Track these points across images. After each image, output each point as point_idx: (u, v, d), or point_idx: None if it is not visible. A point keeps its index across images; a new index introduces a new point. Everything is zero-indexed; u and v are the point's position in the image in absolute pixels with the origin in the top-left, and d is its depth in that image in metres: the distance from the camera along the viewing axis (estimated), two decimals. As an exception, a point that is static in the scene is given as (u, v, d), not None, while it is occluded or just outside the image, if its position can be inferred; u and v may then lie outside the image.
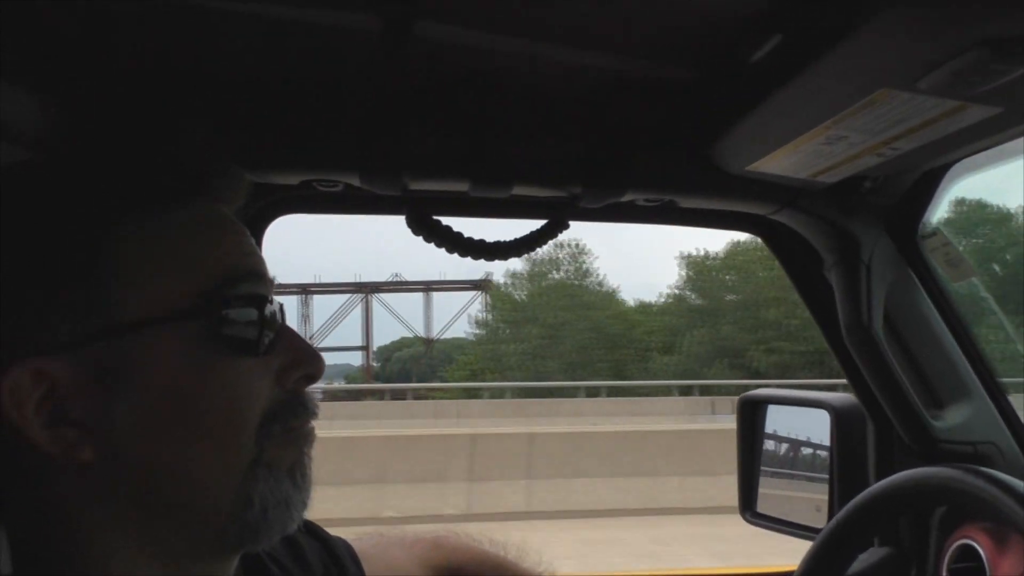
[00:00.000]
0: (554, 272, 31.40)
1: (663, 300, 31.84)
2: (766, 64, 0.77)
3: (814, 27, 0.69)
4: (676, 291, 31.16)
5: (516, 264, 31.52)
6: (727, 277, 30.08)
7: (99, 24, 0.73)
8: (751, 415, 1.40)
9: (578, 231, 31.81)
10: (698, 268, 30.19)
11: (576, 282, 31.54)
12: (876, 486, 0.87)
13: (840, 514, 0.90)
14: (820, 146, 0.85)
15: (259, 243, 1.13)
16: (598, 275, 32.16)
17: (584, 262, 31.57)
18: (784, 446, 1.39)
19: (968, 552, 1.06)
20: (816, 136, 0.82)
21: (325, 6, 0.73)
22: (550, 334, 29.73)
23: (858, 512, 0.88)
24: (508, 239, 1.07)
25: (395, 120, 0.95)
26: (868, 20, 0.63)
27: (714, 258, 30.01)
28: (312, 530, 0.82)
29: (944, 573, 1.07)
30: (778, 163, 0.93)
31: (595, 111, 0.96)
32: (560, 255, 31.42)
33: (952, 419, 1.13)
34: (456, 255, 1.08)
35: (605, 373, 26.24)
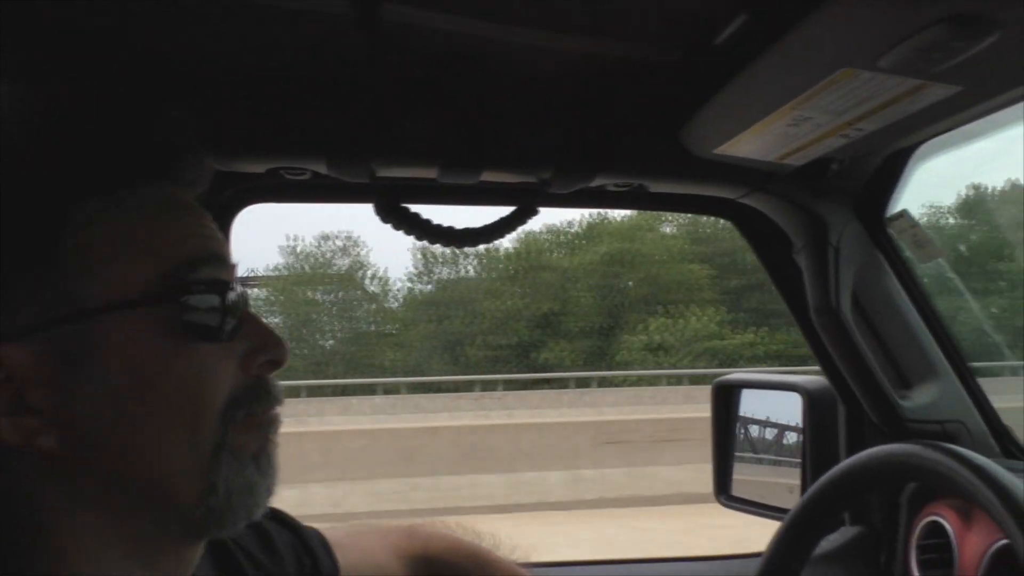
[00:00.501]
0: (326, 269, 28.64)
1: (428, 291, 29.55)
2: (732, 45, 0.77)
3: (779, 6, 0.69)
4: (408, 283, 29.35)
5: (286, 259, 28.89)
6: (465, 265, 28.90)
7: (63, 5, 0.72)
8: (725, 399, 1.41)
9: (350, 223, 29.36)
10: (431, 258, 28.57)
11: (342, 276, 28.86)
12: (839, 466, 0.88)
13: (806, 495, 0.91)
14: (786, 128, 0.85)
15: (227, 232, 1.11)
16: (374, 267, 29.52)
17: (358, 255, 28.95)
18: (758, 429, 1.40)
19: (936, 529, 1.07)
20: (782, 117, 0.83)
21: None
22: (295, 333, 27.17)
23: (823, 492, 0.89)
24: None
25: (363, 106, 0.94)
26: (808, 6, 0.63)
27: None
28: (283, 519, 0.82)
29: (913, 550, 1.09)
30: (746, 146, 0.93)
31: (564, 96, 0.96)
32: (325, 248, 28.48)
33: (920, 399, 1.14)
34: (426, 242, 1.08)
35: (373, 370, 24.65)
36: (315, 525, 0.89)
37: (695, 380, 17.93)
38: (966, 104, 0.77)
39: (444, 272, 28.97)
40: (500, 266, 27.77)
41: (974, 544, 0.99)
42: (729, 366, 22.19)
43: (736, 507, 1.37)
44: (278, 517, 0.81)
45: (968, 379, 1.17)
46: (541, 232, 28.23)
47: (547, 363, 24.51)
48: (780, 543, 0.93)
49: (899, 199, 1.14)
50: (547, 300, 26.47)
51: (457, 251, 26.88)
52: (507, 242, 27.93)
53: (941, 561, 1.06)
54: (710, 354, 24.18)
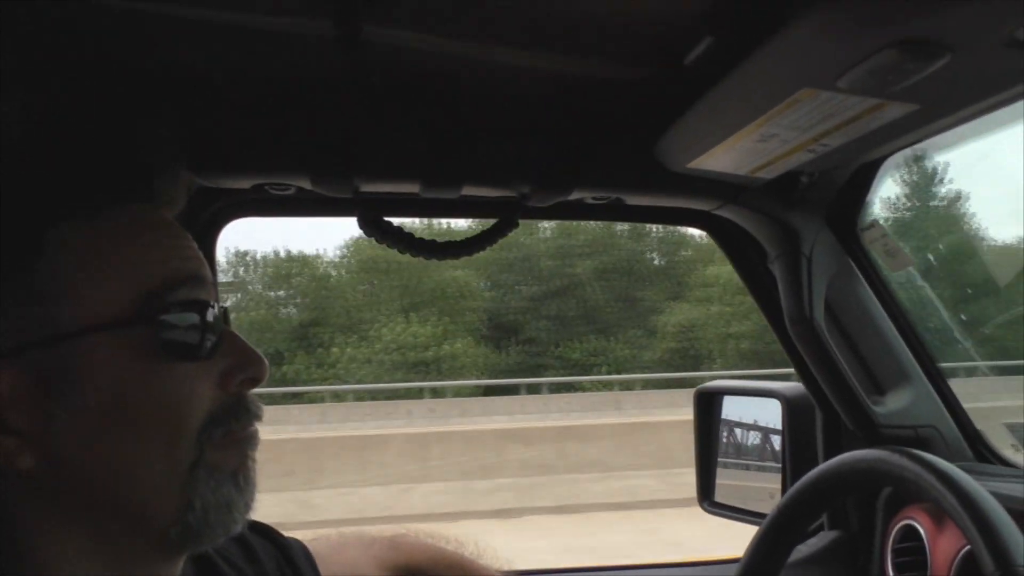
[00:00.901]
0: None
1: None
2: (700, 65, 0.80)
3: (740, 30, 0.72)
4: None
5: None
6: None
7: (49, 24, 0.73)
8: (707, 406, 1.43)
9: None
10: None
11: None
12: (811, 473, 0.90)
13: (780, 501, 0.93)
14: (754, 143, 0.88)
15: (212, 248, 1.13)
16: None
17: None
18: (740, 436, 1.42)
19: (911, 532, 1.10)
20: (750, 134, 0.85)
21: (276, 12, 0.73)
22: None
23: (796, 498, 0.91)
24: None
25: (345, 123, 0.96)
26: (787, 24, 0.66)
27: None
28: (265, 532, 0.83)
29: (889, 553, 1.11)
30: (718, 160, 0.95)
31: (542, 113, 0.98)
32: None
33: (893, 404, 1.17)
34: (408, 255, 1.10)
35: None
36: (299, 536, 0.90)
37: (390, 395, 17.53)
38: (925, 121, 0.80)
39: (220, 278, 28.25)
40: (270, 271, 26.93)
41: (946, 547, 1.01)
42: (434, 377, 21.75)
43: (719, 513, 1.38)
44: (260, 530, 0.82)
45: (941, 384, 1.19)
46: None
47: (285, 376, 23.26)
48: (757, 548, 0.95)
49: (869, 209, 1.17)
50: (306, 310, 25.70)
51: (234, 260, 26.89)
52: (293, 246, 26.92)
53: (916, 564, 1.08)
54: (408, 366, 23.40)
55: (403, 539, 1.00)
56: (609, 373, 22.91)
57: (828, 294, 1.13)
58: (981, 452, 1.18)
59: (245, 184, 1.03)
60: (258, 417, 0.63)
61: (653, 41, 0.79)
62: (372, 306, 26.06)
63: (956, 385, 1.18)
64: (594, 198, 1.08)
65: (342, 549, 0.94)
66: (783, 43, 0.68)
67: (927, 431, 1.16)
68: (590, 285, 25.48)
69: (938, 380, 1.20)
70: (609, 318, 25.61)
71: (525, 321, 25.90)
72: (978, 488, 0.74)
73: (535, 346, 25.68)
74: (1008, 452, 1.18)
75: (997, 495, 0.86)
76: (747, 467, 1.40)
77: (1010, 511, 0.83)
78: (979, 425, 1.18)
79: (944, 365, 1.19)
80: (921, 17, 0.61)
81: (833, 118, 0.79)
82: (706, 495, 1.41)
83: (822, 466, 0.90)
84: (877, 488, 1.15)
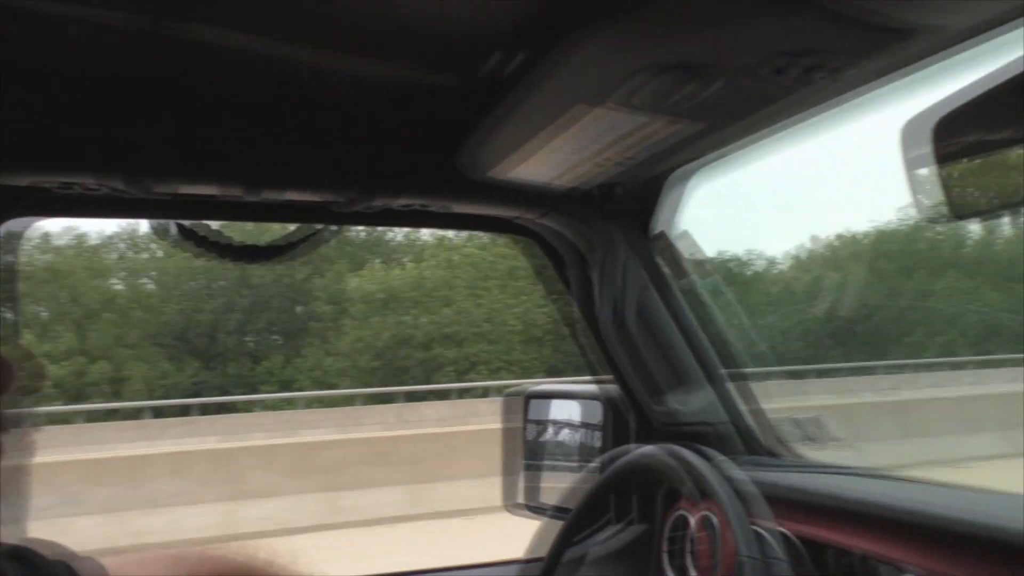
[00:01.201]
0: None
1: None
2: (493, 76, 0.83)
3: (524, 46, 0.76)
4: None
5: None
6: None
7: None
8: (526, 409, 1.46)
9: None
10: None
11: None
12: (597, 469, 0.95)
13: (577, 498, 0.97)
14: (550, 155, 0.92)
15: None
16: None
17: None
18: (563, 436, 1.46)
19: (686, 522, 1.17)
20: (542, 145, 0.89)
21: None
22: None
23: (584, 495, 0.96)
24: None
25: (140, 121, 0.91)
26: (564, 42, 0.70)
27: None
28: (22, 556, 0.77)
29: (664, 544, 1.18)
30: (520, 170, 0.98)
31: (352, 118, 0.98)
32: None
33: (681, 404, 1.25)
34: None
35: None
36: (103, 556, 0.85)
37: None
38: (718, 136, 0.86)
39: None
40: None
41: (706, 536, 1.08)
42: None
43: (525, 514, 1.41)
44: (16, 554, 0.76)
45: (719, 386, 1.28)
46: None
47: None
48: (553, 545, 0.99)
49: (677, 220, 1.23)
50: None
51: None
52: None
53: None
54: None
55: (210, 553, 0.97)
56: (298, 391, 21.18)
57: (638, 301, 1.20)
58: (752, 446, 1.28)
59: (23, 181, 0.95)
60: None
61: (451, 50, 0.81)
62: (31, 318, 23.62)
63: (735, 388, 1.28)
64: (402, 205, 1.09)
65: (143, 566, 0.90)
66: (560, 61, 0.72)
67: (703, 428, 1.25)
68: (277, 299, 24.60)
69: (717, 382, 1.28)
70: (304, 332, 24.61)
71: (208, 337, 24.35)
72: (712, 478, 0.81)
73: (216, 362, 24.03)
74: (774, 445, 1.29)
75: (760, 484, 0.95)
76: (569, 468, 1.44)
77: (768, 497, 0.93)
78: (750, 422, 1.29)
79: (726, 371, 1.29)
80: (683, 42, 0.66)
81: (620, 133, 0.84)
82: (514, 496, 1.43)
83: (612, 467, 0.95)
84: (649, 482, 1.22)
